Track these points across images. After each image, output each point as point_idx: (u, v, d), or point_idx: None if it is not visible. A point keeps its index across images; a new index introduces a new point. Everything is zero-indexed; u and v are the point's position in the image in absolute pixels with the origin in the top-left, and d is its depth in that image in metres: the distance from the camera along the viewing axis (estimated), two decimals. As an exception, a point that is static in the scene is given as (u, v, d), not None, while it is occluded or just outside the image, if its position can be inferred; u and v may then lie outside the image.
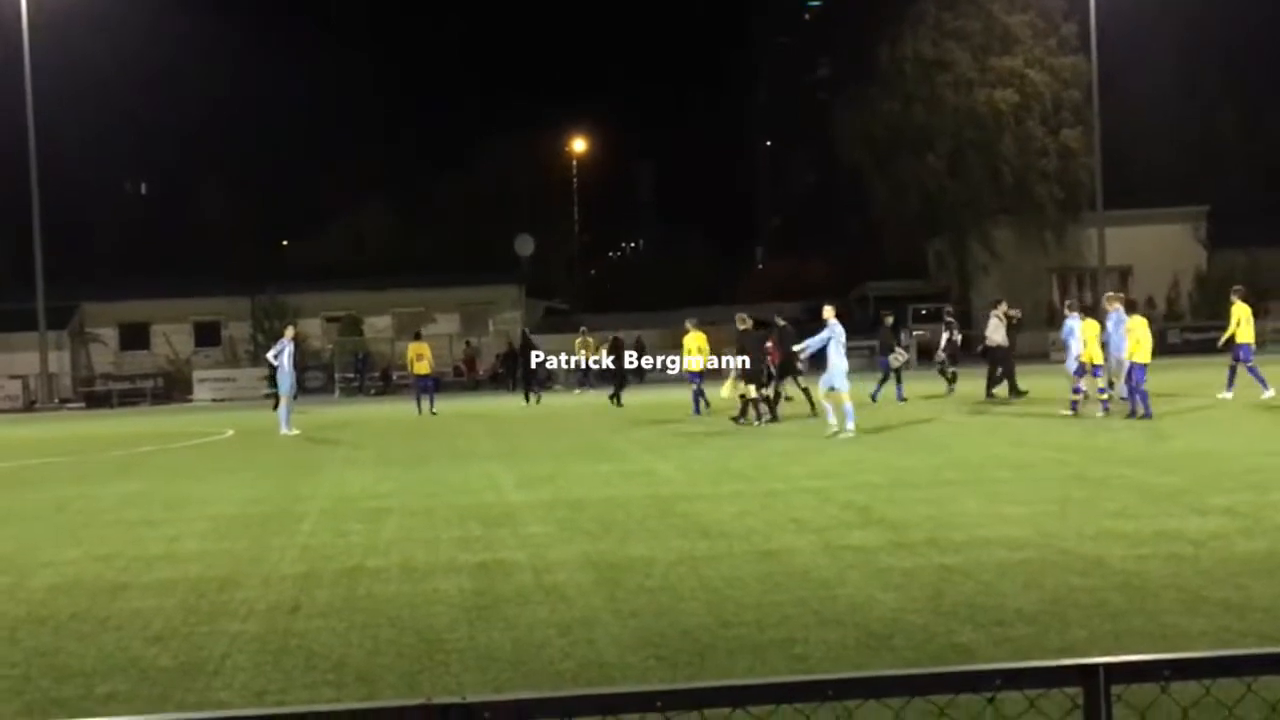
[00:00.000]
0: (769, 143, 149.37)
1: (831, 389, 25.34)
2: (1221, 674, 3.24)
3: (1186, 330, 64.90)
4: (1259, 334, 31.89)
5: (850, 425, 24.97)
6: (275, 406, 44.24)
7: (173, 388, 66.37)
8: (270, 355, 33.81)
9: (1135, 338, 26.61)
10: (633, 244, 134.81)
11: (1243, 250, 69.79)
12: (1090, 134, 69.47)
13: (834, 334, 25.19)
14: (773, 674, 8.36)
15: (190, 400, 64.26)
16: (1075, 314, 28.89)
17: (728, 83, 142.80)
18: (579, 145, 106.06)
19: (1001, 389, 33.41)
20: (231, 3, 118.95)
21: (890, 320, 36.09)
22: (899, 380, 34.77)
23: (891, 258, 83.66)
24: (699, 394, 33.43)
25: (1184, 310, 72.69)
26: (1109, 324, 27.94)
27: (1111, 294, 30.17)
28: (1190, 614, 9.49)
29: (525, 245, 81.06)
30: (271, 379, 48.33)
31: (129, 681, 8.77)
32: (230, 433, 35.08)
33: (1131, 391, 26.58)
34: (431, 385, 41.26)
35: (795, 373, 31.25)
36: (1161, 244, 73.45)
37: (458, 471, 21.66)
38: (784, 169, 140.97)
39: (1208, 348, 41.18)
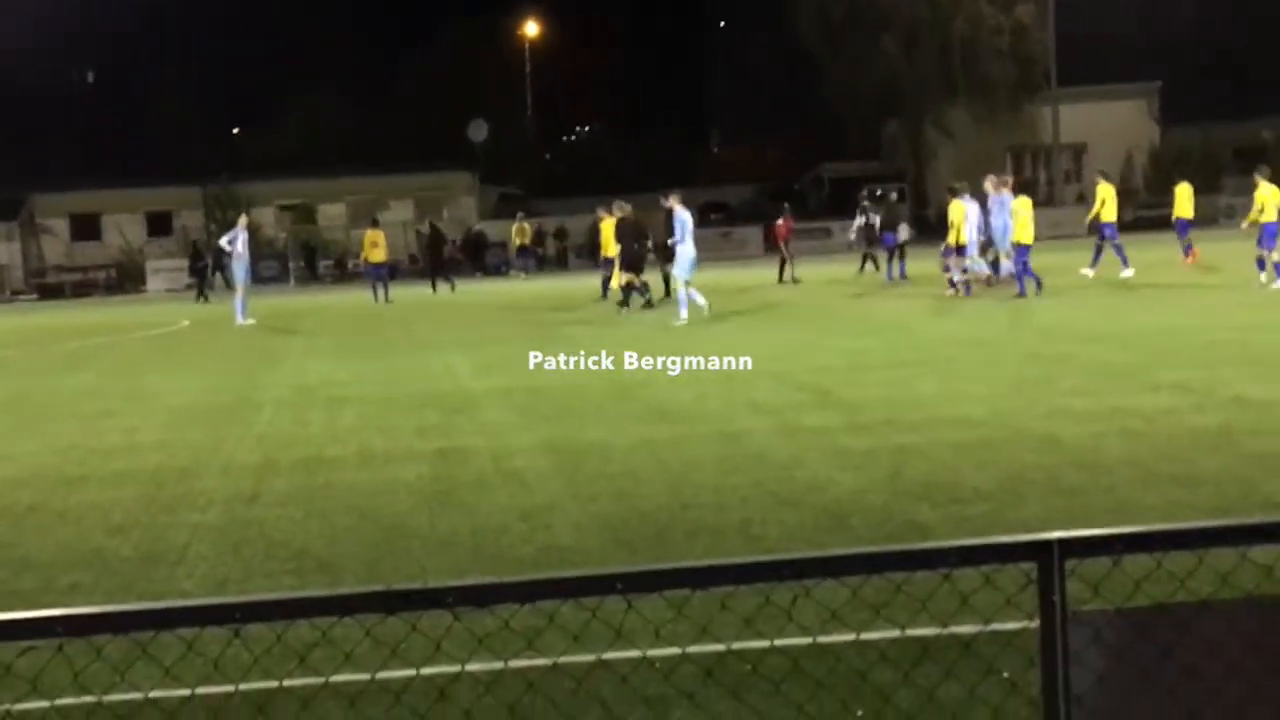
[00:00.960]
0: (723, 23, 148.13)
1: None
2: (1173, 547, 3.27)
3: (1140, 208, 65.10)
4: (1207, 209, 32.44)
5: (684, 313, 25.42)
6: (199, 297, 44.12)
7: (125, 279, 65.90)
8: (224, 242, 33.40)
9: (1021, 220, 27.57)
10: (588, 128, 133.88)
11: (1196, 126, 69.96)
12: (1044, 10, 69.16)
13: (683, 224, 25.77)
14: (731, 555, 8.42)
15: (144, 291, 63.84)
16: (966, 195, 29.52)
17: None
18: (532, 29, 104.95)
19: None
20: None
21: (895, 196, 36.00)
22: (903, 257, 34.79)
23: (848, 140, 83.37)
24: (606, 281, 32.87)
25: (1138, 186, 72.78)
26: (994, 207, 28.65)
27: (996, 177, 30.26)
28: (1143, 489, 9.60)
29: (479, 131, 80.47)
30: (214, 268, 48.19)
31: (91, 573, 8.78)
32: (186, 323, 34.92)
33: (1020, 273, 27.28)
34: (386, 273, 41.06)
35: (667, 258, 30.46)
36: (1115, 121, 73.39)
37: (415, 360, 21.65)
38: (739, 51, 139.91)
39: (1162, 224, 41.38)
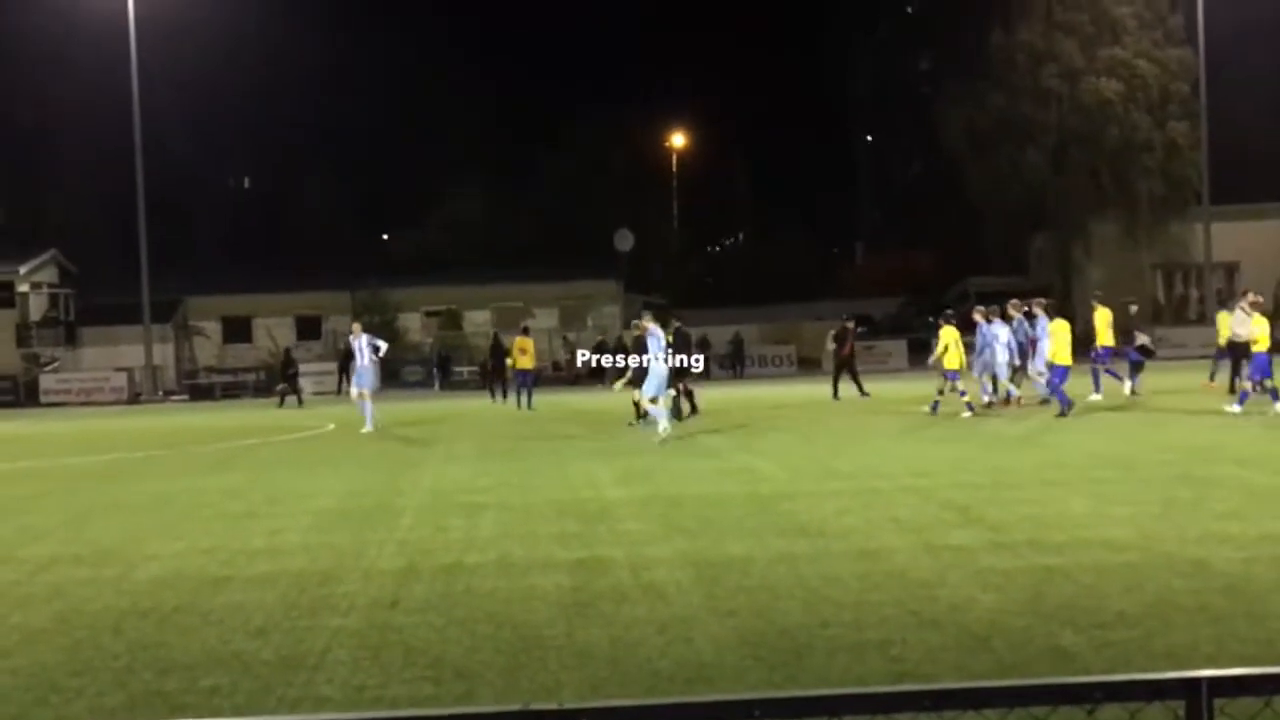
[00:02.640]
0: (869, 137, 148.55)
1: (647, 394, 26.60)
2: (1329, 688, 3.19)
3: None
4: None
5: (661, 426, 26.01)
6: (281, 404, 44.43)
7: (274, 381, 66.91)
8: (369, 351, 33.07)
9: (1059, 341, 28.43)
10: (732, 239, 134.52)
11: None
12: (1197, 127, 68.54)
13: (657, 341, 26.61)
14: (870, 675, 8.34)
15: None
16: (1004, 318, 31.02)
17: (828, 76, 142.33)
18: (677, 140, 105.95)
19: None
20: (330, 2, 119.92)
21: (1135, 307, 35.70)
22: (1139, 370, 33.97)
23: (993, 252, 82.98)
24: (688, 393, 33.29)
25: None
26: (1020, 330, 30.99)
27: (1020, 300, 32.30)
28: (1297, 619, 9.35)
29: (624, 240, 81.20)
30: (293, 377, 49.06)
31: (231, 675, 8.87)
32: (331, 426, 35.37)
33: (1056, 391, 28.39)
34: (531, 380, 41.41)
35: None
36: (1269, 240, 72.26)
37: (556, 467, 21.74)
38: (885, 163, 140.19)
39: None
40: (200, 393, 65.03)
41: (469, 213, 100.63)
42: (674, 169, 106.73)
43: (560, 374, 65.71)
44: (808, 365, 63.79)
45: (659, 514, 15.40)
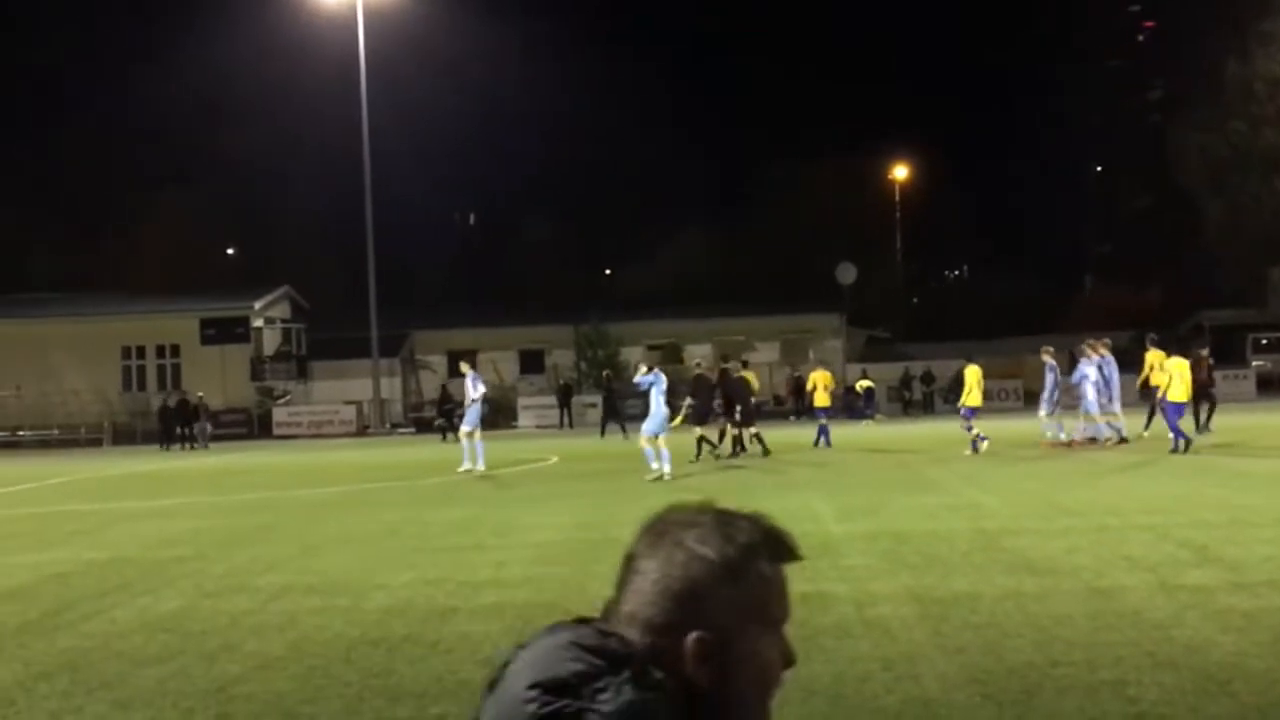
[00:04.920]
0: (1099, 168, 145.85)
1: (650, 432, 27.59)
2: None
3: None
4: None
5: (654, 466, 26.96)
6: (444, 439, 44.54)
7: (498, 414, 67.70)
8: (471, 389, 32.09)
9: (1181, 378, 29.06)
10: (956, 271, 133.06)
11: None
12: None
13: (657, 382, 27.68)
14: (1104, 716, 8.14)
15: (515, 427, 65.55)
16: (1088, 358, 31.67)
17: (1053, 107, 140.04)
18: (900, 173, 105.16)
19: None
20: (554, 37, 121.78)
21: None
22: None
23: (1227, 285, 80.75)
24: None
25: None
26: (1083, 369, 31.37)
27: (1093, 341, 32.52)
28: None
29: (847, 274, 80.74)
30: (452, 411, 49.22)
31: (459, 704, 8.94)
32: (554, 459, 35.69)
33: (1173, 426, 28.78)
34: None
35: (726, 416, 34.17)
36: None
37: (777, 500, 21.59)
38: (1114, 194, 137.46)
39: None
40: (426, 426, 66.07)
41: (691, 248, 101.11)
42: (897, 201, 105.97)
43: (781, 407, 65.51)
44: (1033, 399, 62.61)
45: (883, 549, 15.21)
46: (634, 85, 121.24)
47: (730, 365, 37.90)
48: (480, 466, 31.01)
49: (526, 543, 17.29)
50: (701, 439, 32.60)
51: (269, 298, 75.59)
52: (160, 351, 72.83)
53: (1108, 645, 9.90)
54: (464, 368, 33.29)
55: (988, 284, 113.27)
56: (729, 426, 33.83)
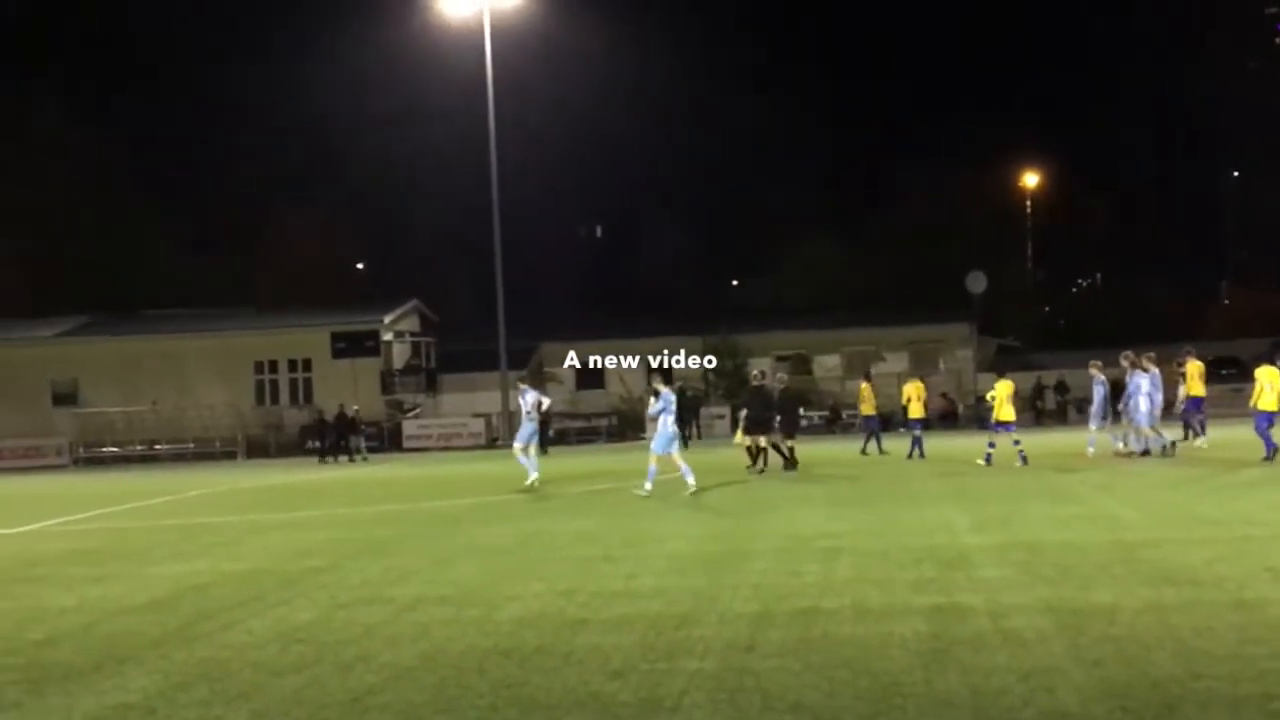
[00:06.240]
0: (1236, 172, 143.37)
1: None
2: None
3: None
4: None
5: (648, 485, 27.20)
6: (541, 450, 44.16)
7: (626, 426, 67.73)
8: (532, 406, 31.48)
9: (1262, 387, 29.13)
10: (1088, 280, 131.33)
11: None
12: None
13: (666, 402, 27.96)
14: (1250, 732, 7.94)
15: (643, 438, 65.45)
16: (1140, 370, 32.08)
17: (1189, 111, 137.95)
18: (1031, 179, 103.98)
19: None
20: (681, 47, 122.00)
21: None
22: None
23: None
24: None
25: None
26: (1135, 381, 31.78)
27: (1141, 355, 33.00)
28: None
29: (977, 283, 79.82)
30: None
31: (590, 716, 8.94)
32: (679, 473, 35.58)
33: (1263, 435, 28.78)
34: (877, 425, 41.16)
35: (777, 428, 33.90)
36: None
37: (911, 512, 21.44)
38: (1254, 198, 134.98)
39: None
40: (555, 439, 66.22)
41: (819, 257, 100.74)
42: (1028, 209, 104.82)
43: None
44: (1171, 408, 61.57)
45: (1018, 560, 15.01)
46: (762, 96, 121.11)
47: (779, 377, 39.59)
48: (532, 478, 30.69)
49: (657, 554, 17.27)
50: (758, 449, 33.26)
51: (398, 311, 76.34)
52: (292, 365, 73.79)
53: (1252, 659, 9.70)
54: (520, 385, 33.09)
55: (1121, 292, 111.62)
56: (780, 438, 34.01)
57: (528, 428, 31.47)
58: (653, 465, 27.76)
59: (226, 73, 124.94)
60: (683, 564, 16.12)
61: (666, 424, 28.04)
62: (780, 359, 75.49)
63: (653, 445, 28.33)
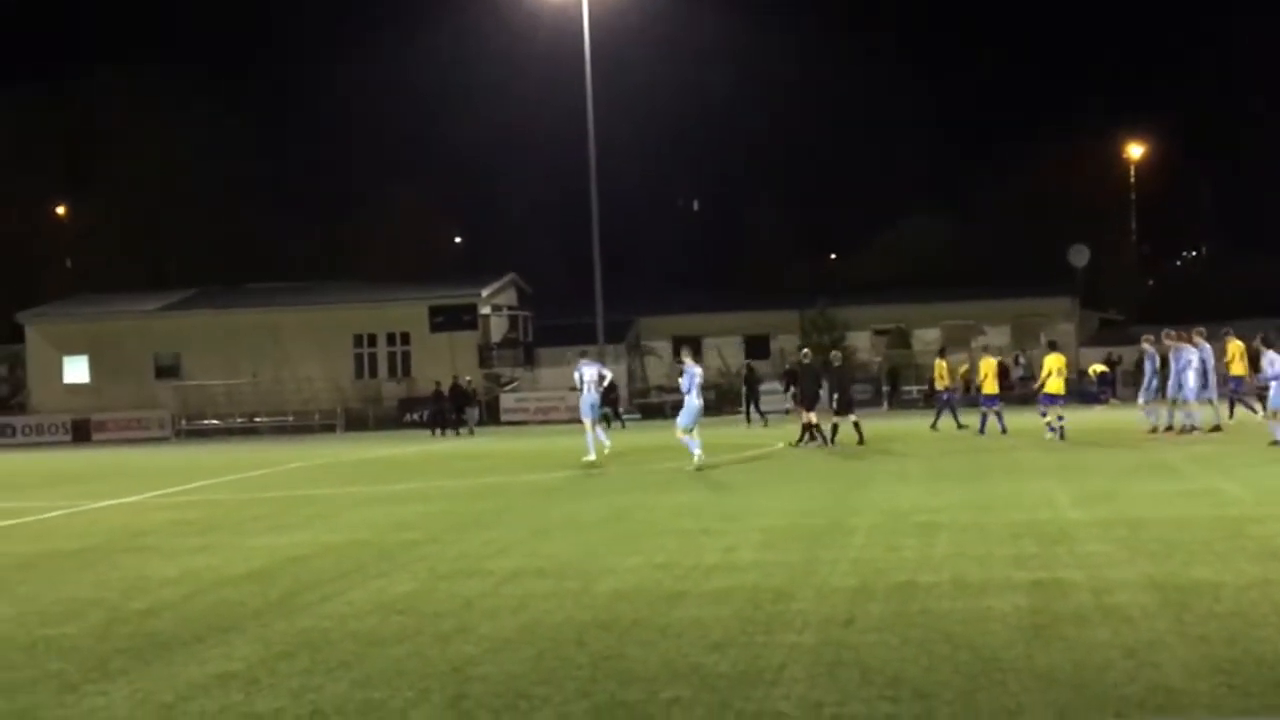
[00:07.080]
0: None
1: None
2: None
3: None
4: None
5: (696, 454, 27.77)
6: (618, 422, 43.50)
7: (723, 400, 67.48)
8: (593, 379, 31.64)
9: None
10: (1193, 253, 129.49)
11: None
12: None
13: (690, 377, 28.47)
14: (1360, 711, 7.80)
15: (740, 412, 65.31)
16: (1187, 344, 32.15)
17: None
18: (1135, 151, 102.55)
19: None
20: (779, 18, 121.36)
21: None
22: None
23: None
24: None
25: None
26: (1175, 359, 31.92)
27: (1192, 331, 33.02)
28: None
29: (1080, 256, 79.17)
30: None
31: (690, 688, 8.93)
32: (781, 445, 35.57)
33: None
34: (953, 399, 40.62)
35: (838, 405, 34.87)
36: None
37: (1011, 487, 21.27)
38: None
39: None
40: (651, 411, 66.31)
41: (919, 231, 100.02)
42: (1132, 181, 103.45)
43: (1010, 392, 64.35)
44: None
45: (1120, 536, 14.84)
46: (861, 67, 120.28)
47: (832, 355, 40.27)
48: (588, 457, 30.56)
49: (754, 527, 17.24)
50: (810, 426, 33.92)
51: (496, 285, 76.57)
52: (390, 339, 74.21)
53: (1362, 636, 9.54)
54: (579, 360, 32.94)
55: (1227, 266, 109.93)
56: (832, 414, 34.46)
57: (589, 399, 31.45)
58: (686, 438, 28.18)
59: (332, 55, 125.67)
60: (780, 538, 16.08)
61: (692, 399, 28.28)
62: (879, 333, 75.12)
63: (679, 421, 28.68)
